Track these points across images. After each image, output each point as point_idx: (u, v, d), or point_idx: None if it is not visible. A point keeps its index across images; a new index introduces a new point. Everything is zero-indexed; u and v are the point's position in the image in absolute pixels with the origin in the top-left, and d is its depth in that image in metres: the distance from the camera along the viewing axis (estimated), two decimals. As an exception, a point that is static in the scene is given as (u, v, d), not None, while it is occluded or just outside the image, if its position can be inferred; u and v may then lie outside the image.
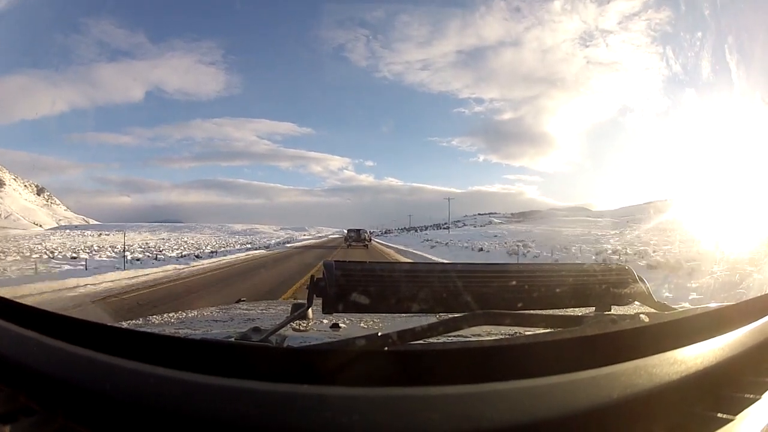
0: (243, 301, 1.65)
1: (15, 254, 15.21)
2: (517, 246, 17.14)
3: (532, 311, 0.69)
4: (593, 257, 12.28)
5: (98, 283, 8.10)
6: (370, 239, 29.59)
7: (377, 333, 0.56)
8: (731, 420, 0.45)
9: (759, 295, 0.67)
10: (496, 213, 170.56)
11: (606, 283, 0.79)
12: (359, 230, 28.04)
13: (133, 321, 1.18)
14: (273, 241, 37.61)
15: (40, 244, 25.57)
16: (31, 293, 6.49)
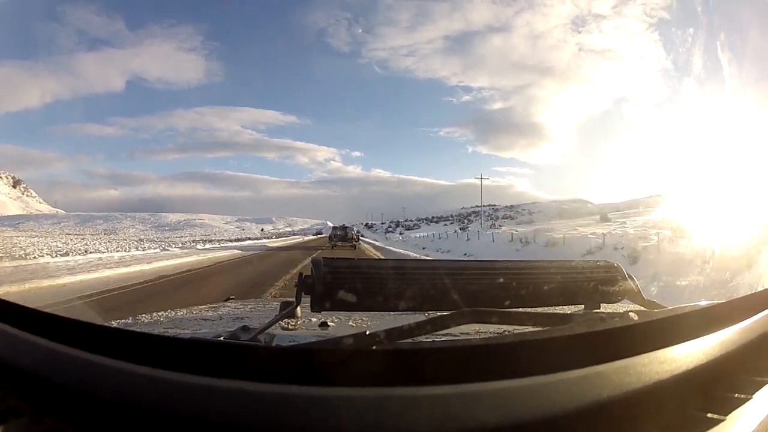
0: (232, 299, 1.65)
1: None
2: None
3: (520, 309, 0.69)
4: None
5: None
6: (358, 239, 28.79)
7: (365, 332, 0.56)
8: (722, 420, 0.45)
9: (750, 292, 0.68)
10: (494, 205, 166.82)
11: (595, 281, 0.79)
12: (345, 228, 27.16)
13: (123, 320, 1.18)
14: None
15: None
16: None
